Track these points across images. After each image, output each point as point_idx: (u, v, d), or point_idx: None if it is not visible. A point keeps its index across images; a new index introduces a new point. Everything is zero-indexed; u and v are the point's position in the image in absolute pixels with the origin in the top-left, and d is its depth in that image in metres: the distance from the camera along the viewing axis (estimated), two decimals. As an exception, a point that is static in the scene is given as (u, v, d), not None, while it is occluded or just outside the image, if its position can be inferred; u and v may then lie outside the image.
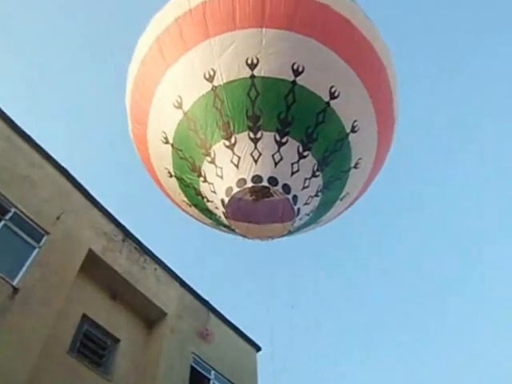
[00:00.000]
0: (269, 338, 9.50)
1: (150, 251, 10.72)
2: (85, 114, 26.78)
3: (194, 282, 10.96)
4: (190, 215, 10.71)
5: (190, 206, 10.03)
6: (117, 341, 9.13)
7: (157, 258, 10.76)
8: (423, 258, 28.93)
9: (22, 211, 7.95)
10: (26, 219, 8.02)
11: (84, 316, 8.75)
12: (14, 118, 8.60)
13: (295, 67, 7.79)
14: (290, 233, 9.39)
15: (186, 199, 10.11)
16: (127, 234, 10.44)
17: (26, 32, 25.00)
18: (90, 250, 9.11)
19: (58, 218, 8.71)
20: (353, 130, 8.50)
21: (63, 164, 9.30)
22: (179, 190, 9.98)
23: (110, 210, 10.25)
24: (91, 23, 26.97)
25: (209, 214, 9.65)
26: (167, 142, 8.83)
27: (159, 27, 8.46)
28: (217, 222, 9.84)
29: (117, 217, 10.38)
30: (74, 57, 26.96)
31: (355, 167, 8.92)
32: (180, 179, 9.33)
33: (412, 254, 29.44)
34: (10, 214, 7.77)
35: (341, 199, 9.43)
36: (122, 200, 22.72)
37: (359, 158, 8.83)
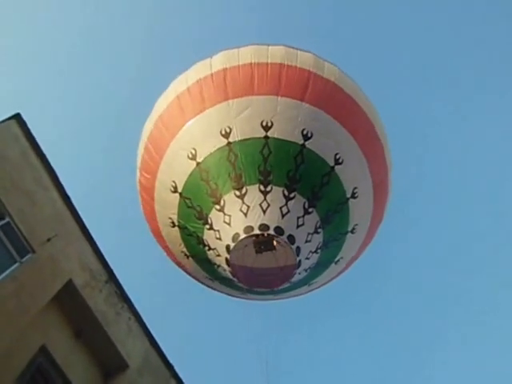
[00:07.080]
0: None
1: (129, 300, 10.39)
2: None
3: (165, 339, 10.38)
4: (184, 270, 10.63)
5: (188, 258, 10.07)
6: (68, 383, 8.48)
7: (134, 308, 10.39)
8: None
9: (15, 222, 8.03)
10: (17, 231, 8.06)
11: (42, 347, 8.27)
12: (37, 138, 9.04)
13: (305, 132, 8.36)
14: (282, 290, 9.21)
15: (185, 249, 10.18)
16: (112, 277, 10.24)
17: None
18: (70, 281, 8.91)
19: (48, 240, 8.73)
20: (353, 196, 8.85)
21: (68, 191, 9.57)
22: (180, 240, 10.11)
23: (102, 249, 10.26)
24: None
25: (207, 265, 9.64)
26: (176, 191, 9.22)
27: (180, 87, 9.32)
28: (213, 273, 9.76)
29: (107, 257, 10.33)
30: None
31: (352, 232, 9.13)
32: (183, 228, 9.55)
33: None
34: (2, 222, 7.84)
35: (335, 262, 9.44)
36: (119, 239, 22.65)
37: (356, 224, 9.06)
